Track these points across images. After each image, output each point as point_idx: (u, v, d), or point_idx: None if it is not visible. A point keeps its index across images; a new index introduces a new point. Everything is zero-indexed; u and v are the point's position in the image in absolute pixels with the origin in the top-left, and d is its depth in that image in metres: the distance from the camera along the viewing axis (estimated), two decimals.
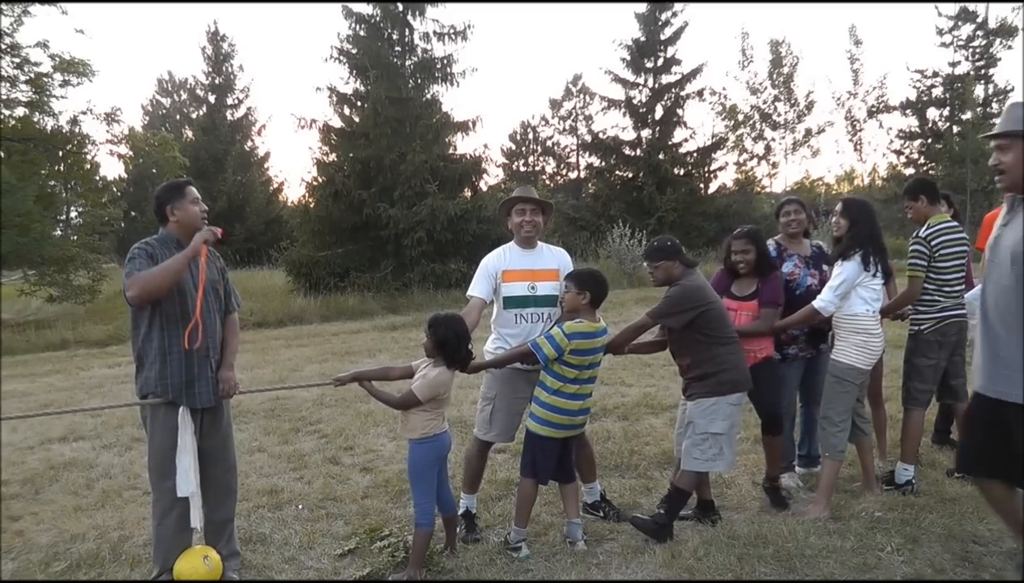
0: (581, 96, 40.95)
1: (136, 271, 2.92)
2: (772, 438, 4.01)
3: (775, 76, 30.83)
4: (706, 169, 28.48)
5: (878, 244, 3.85)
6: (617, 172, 27.74)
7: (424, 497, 3.23)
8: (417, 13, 18.98)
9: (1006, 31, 26.84)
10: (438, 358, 3.24)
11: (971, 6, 27.28)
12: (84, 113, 17.62)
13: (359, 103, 19.06)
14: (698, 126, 36.67)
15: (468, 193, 19.19)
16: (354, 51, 18.95)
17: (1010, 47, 27.07)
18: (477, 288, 3.69)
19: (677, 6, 26.74)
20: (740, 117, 31.35)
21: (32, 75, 15.84)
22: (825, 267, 4.20)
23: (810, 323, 4.03)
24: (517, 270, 3.70)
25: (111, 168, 58.56)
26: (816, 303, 3.82)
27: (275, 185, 38.03)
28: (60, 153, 17.78)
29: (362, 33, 19.12)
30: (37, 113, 16.41)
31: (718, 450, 3.50)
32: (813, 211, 4.61)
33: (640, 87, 27.46)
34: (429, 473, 3.25)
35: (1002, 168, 2.69)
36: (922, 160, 28.81)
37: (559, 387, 3.37)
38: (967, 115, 27.35)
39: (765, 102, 31.06)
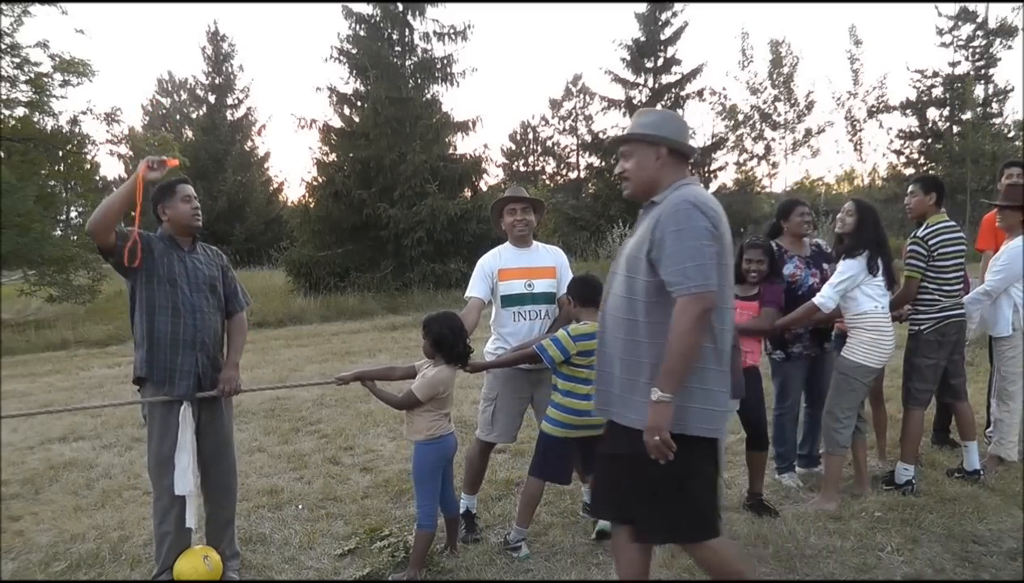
0: (581, 96, 40.91)
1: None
2: (756, 453, 4.00)
3: (775, 76, 30.83)
4: (706, 169, 28.49)
5: (884, 249, 3.87)
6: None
7: (427, 498, 3.23)
8: (417, 13, 19.00)
9: (1006, 31, 26.84)
10: (437, 357, 3.24)
11: (971, 6, 27.31)
12: (84, 113, 17.63)
13: (359, 103, 19.08)
14: (698, 126, 36.64)
15: (468, 193, 19.20)
16: (354, 51, 18.97)
17: (1010, 47, 27.11)
18: (475, 289, 3.69)
19: (677, 6, 26.78)
20: (740, 117, 31.36)
21: (32, 75, 15.81)
22: (826, 266, 4.21)
23: (810, 319, 4.04)
24: (513, 268, 3.71)
25: (111, 168, 58.49)
26: (816, 299, 3.84)
27: (275, 185, 38.08)
28: (60, 153, 17.74)
29: (362, 33, 19.13)
30: (37, 113, 16.39)
31: None
32: (813, 211, 4.63)
33: (640, 87, 27.48)
34: (433, 475, 3.25)
35: (626, 175, 2.49)
36: (922, 160, 28.82)
37: (570, 388, 3.36)
38: (967, 115, 27.36)
39: (765, 102, 31.07)
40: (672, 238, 2.22)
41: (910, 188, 4.32)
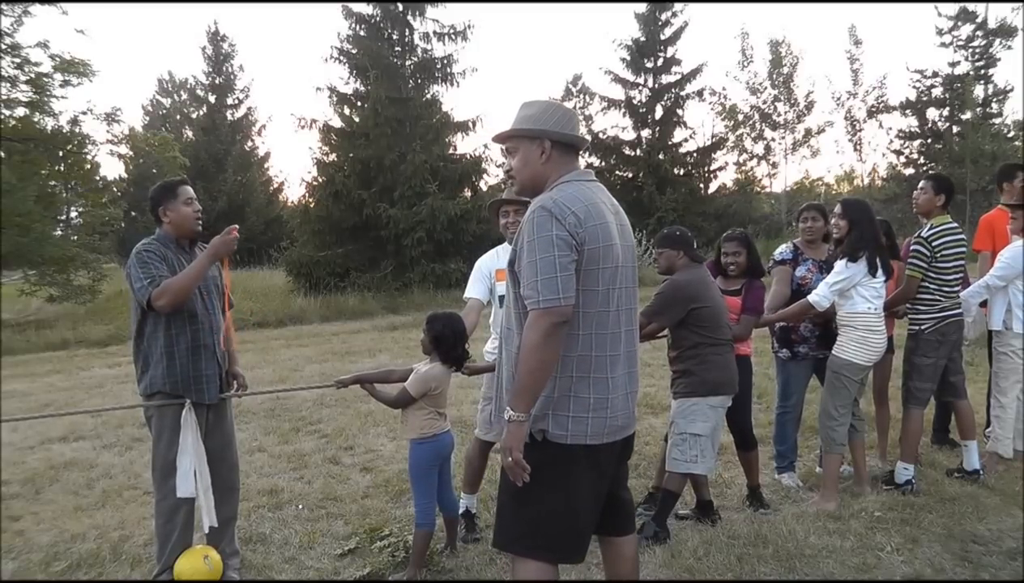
0: (581, 96, 40.88)
1: (157, 275, 2.92)
2: (745, 453, 4.02)
3: (775, 76, 30.77)
4: (706, 169, 28.48)
5: (880, 244, 3.90)
6: (617, 172, 27.73)
7: (424, 497, 3.24)
8: (417, 13, 19.00)
9: (1006, 31, 26.79)
10: (434, 354, 3.25)
11: (971, 6, 27.24)
12: (84, 113, 17.56)
13: (359, 103, 19.08)
14: (698, 126, 36.57)
15: (468, 193, 19.22)
16: (354, 51, 18.97)
17: (1010, 47, 27.04)
18: (473, 290, 3.70)
19: (677, 6, 26.74)
20: (740, 117, 31.31)
21: (32, 75, 15.79)
22: None
23: (803, 318, 4.07)
24: None
25: (111, 168, 58.61)
26: (811, 297, 3.87)
27: (275, 185, 38.04)
28: (60, 153, 17.72)
29: (362, 33, 19.14)
30: (37, 113, 16.36)
31: (699, 452, 3.49)
32: (824, 214, 4.66)
33: (640, 87, 27.46)
34: (429, 473, 3.25)
35: (513, 173, 2.36)
36: (922, 160, 28.79)
37: None
38: (967, 115, 27.31)
39: (765, 102, 31.02)
40: (526, 250, 2.12)
41: (921, 184, 4.35)
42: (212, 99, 35.39)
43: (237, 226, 3.11)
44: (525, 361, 2.09)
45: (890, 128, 32.74)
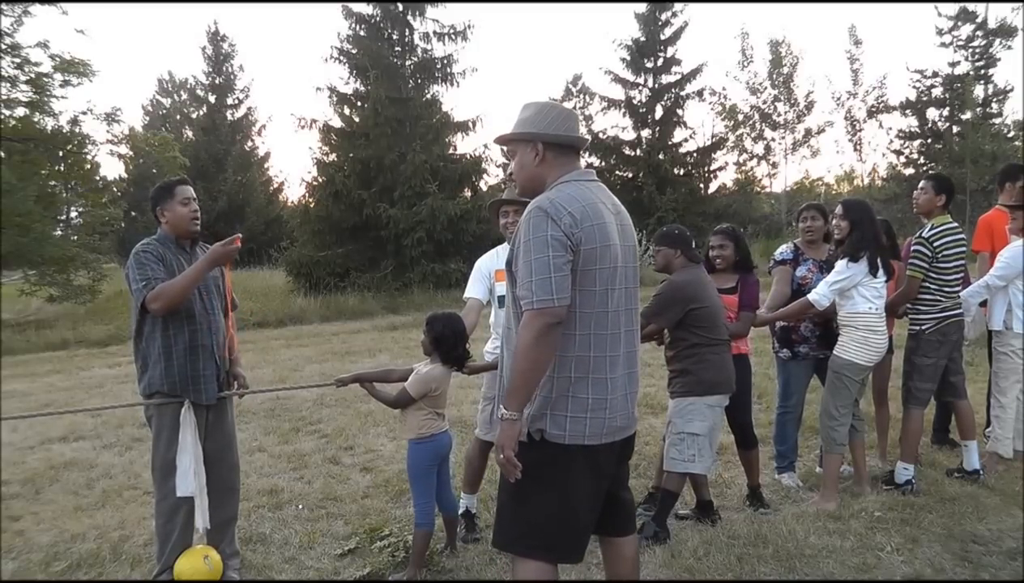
0: (581, 96, 40.85)
1: (152, 278, 2.92)
2: (745, 452, 4.02)
3: (775, 76, 30.77)
4: (706, 169, 28.46)
5: (881, 244, 3.90)
6: (617, 172, 27.72)
7: (423, 497, 3.24)
8: (417, 13, 19.00)
9: (1006, 31, 26.77)
10: (434, 355, 3.25)
11: (971, 6, 27.23)
12: (84, 113, 17.54)
13: (359, 103, 19.07)
14: (698, 126, 36.56)
15: (468, 193, 19.22)
16: (354, 51, 18.96)
17: (1010, 47, 27.01)
18: (473, 290, 3.70)
19: (677, 6, 26.73)
20: (740, 117, 31.30)
21: (32, 75, 15.79)
22: None
23: (803, 316, 4.08)
24: None
25: (111, 168, 58.58)
26: (811, 296, 3.88)
27: (275, 185, 38.02)
28: (60, 153, 17.73)
29: (362, 33, 19.13)
30: (37, 113, 16.36)
31: (696, 451, 3.50)
32: (823, 214, 4.65)
33: (640, 87, 27.45)
34: (428, 473, 3.25)
35: (514, 176, 2.40)
36: (922, 160, 28.77)
37: None
38: (967, 115, 27.28)
39: (765, 102, 31.02)
40: (522, 250, 2.14)
41: (921, 184, 4.35)
42: (212, 99, 35.37)
43: (241, 235, 3.10)
44: (518, 361, 2.10)
45: (890, 128, 32.75)
